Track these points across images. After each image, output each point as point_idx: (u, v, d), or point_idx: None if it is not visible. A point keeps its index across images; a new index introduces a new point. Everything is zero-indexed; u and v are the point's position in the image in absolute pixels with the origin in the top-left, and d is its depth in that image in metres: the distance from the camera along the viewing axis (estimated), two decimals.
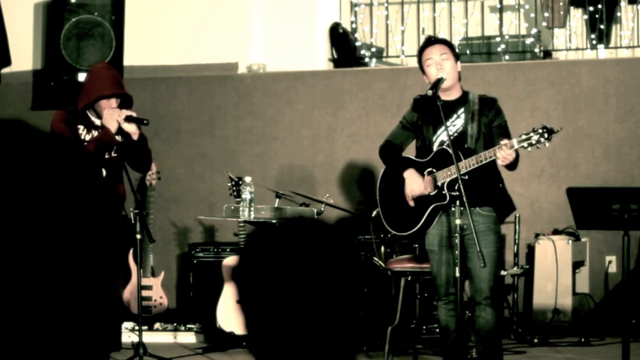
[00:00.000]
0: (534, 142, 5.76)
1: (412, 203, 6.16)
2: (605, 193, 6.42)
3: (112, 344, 7.19)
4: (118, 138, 6.60)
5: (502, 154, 5.74)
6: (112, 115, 6.53)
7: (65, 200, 6.68)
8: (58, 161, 6.67)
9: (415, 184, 6.07)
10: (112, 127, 6.53)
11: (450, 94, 6.08)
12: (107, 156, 6.62)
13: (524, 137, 5.78)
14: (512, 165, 5.89)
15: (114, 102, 6.62)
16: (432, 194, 6.06)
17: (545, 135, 5.76)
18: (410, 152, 6.29)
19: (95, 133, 6.60)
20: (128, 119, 6.55)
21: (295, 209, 8.05)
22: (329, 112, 9.39)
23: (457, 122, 6.05)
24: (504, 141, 5.77)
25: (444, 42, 6.21)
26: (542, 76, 9.12)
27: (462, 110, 6.06)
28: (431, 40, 6.18)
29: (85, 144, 6.57)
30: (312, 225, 1.99)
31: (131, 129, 6.55)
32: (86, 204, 6.64)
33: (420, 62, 6.13)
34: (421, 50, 6.14)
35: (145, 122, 6.57)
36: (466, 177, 5.87)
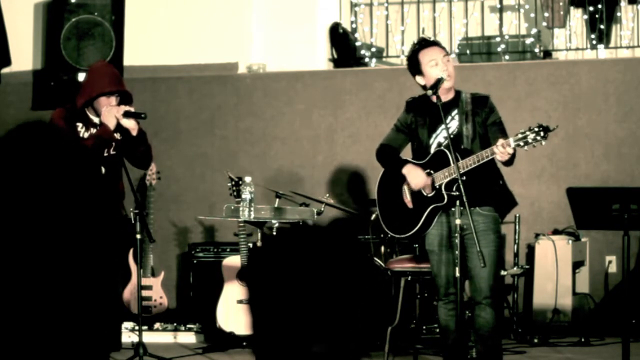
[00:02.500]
0: (530, 140, 5.75)
1: (410, 205, 6.16)
2: (605, 193, 6.42)
3: (112, 344, 7.19)
4: (117, 135, 6.60)
5: (500, 149, 5.74)
6: (110, 112, 6.54)
7: (65, 198, 6.67)
8: (57, 157, 6.67)
9: (417, 174, 6.04)
10: (111, 124, 6.53)
11: (446, 95, 6.07)
12: (106, 154, 6.62)
13: (520, 136, 5.77)
14: (509, 162, 5.89)
15: (113, 99, 6.62)
16: (430, 195, 6.06)
17: (542, 133, 5.75)
18: (406, 156, 6.28)
19: (93, 131, 6.60)
20: (126, 114, 6.54)
21: (295, 209, 8.05)
22: (329, 112, 9.39)
23: (451, 124, 6.02)
24: (501, 141, 5.77)
25: (437, 43, 6.19)
26: (542, 76, 9.12)
27: (455, 111, 6.04)
28: (427, 42, 6.14)
29: (84, 141, 6.57)
30: (323, 232, 1.99)
31: (130, 124, 6.55)
32: (85, 202, 6.63)
33: (415, 64, 6.07)
34: (416, 53, 6.08)
35: (143, 116, 6.57)
36: (464, 177, 5.87)
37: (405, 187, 6.22)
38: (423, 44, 6.11)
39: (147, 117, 6.62)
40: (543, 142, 5.78)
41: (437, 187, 6.02)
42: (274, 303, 1.94)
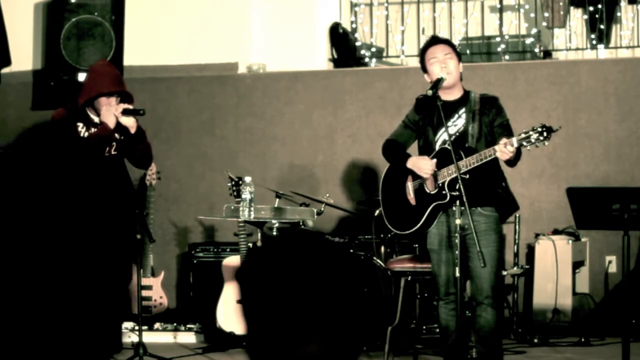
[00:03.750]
0: (533, 140, 5.76)
1: (413, 202, 6.16)
2: (605, 193, 6.42)
3: (113, 345, 7.18)
4: (117, 135, 6.61)
5: (501, 148, 5.75)
6: (109, 111, 6.56)
7: (66, 198, 6.68)
8: (57, 155, 6.67)
9: (422, 163, 6.03)
10: (111, 123, 6.55)
11: (451, 94, 6.09)
12: (107, 154, 6.63)
13: (523, 135, 5.79)
14: (512, 162, 5.90)
15: (113, 99, 6.63)
16: (432, 192, 6.07)
17: (545, 134, 5.77)
18: (412, 152, 6.29)
19: (94, 130, 6.61)
20: (125, 112, 6.56)
21: (295, 209, 8.05)
22: (329, 112, 9.39)
23: (458, 122, 6.06)
24: (503, 140, 5.79)
25: (447, 42, 6.24)
26: (542, 76, 9.12)
27: (463, 110, 6.07)
28: (435, 40, 6.21)
29: (84, 140, 6.58)
30: (312, 237, 1.99)
31: (129, 122, 6.57)
32: (87, 202, 6.63)
33: (422, 60, 6.14)
34: (424, 49, 6.17)
35: (141, 112, 6.59)
36: (467, 176, 5.88)
37: (408, 184, 6.24)
38: (429, 42, 6.19)
39: (147, 117, 6.64)
40: (546, 143, 5.79)
41: (440, 184, 6.03)
42: (268, 304, 1.93)
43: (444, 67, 6.01)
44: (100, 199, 6.64)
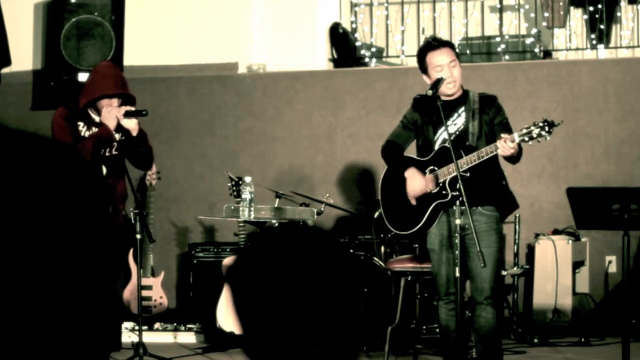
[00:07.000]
0: (534, 135, 5.75)
1: (414, 202, 6.16)
2: (605, 193, 6.42)
3: (112, 344, 7.19)
4: (117, 136, 6.61)
5: (502, 144, 5.74)
6: (110, 112, 6.54)
7: (65, 198, 6.68)
8: (57, 161, 6.68)
9: (416, 182, 6.07)
10: (111, 124, 6.54)
11: (450, 96, 6.08)
12: (107, 154, 6.62)
13: (524, 130, 5.78)
14: (514, 159, 5.89)
15: (115, 101, 6.62)
16: (433, 191, 6.06)
17: (546, 128, 5.76)
18: (411, 151, 6.30)
19: (95, 130, 6.60)
20: (127, 114, 6.55)
21: (295, 209, 8.05)
22: (329, 112, 9.39)
23: (458, 121, 6.05)
24: (504, 136, 5.77)
25: (448, 44, 6.14)
26: (542, 76, 9.12)
27: (462, 109, 6.06)
28: (436, 44, 6.09)
29: (84, 140, 6.58)
30: (308, 230, 1.99)
31: (130, 124, 6.56)
32: (85, 202, 6.64)
33: (423, 63, 6.06)
34: (425, 53, 6.07)
35: (144, 112, 6.57)
36: (468, 174, 5.87)
37: None
38: (433, 45, 6.06)
39: (147, 117, 6.62)
40: (548, 137, 5.77)
41: (441, 183, 6.02)
42: (259, 304, 1.93)
43: (450, 76, 5.97)
44: (99, 199, 6.64)
